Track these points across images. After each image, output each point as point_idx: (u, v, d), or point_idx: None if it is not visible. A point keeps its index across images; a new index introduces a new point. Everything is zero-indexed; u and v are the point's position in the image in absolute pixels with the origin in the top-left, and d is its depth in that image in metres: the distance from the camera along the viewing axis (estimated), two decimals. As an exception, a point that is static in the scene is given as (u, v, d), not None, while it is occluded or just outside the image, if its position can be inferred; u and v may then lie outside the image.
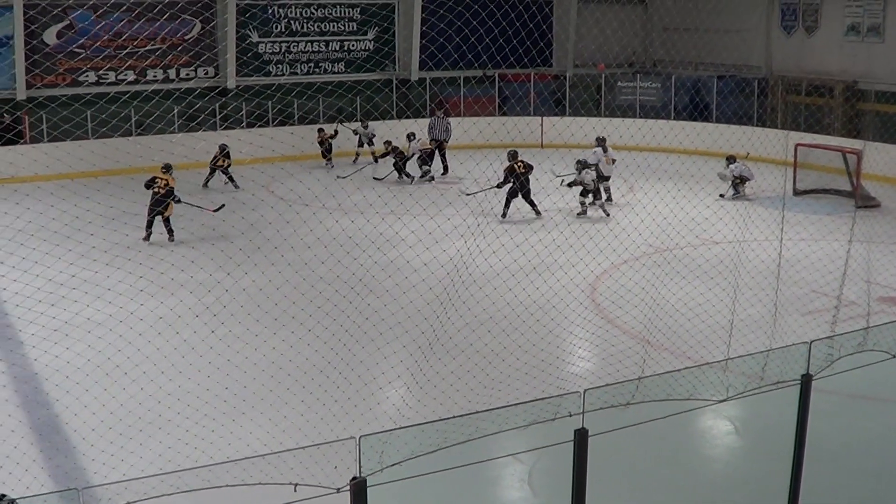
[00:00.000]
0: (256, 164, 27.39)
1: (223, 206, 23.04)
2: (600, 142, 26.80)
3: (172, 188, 22.23)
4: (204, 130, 32.22)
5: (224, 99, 33.98)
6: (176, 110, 31.49)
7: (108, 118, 27.16)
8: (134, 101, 29.07)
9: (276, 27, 36.56)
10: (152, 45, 33.46)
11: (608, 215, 24.32)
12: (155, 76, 34.21)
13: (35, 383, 14.04)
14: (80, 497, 7.00)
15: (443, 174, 30.98)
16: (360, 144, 32.24)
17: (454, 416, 8.15)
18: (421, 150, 29.81)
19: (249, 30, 35.89)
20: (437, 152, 31.28)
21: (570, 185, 25.17)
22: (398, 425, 10.12)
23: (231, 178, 28.48)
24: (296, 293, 16.68)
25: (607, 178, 26.33)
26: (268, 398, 12.97)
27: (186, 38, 34.67)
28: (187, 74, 35.07)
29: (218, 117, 33.38)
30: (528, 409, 8.38)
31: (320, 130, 32.09)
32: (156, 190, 21.98)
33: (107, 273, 16.39)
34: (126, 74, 33.76)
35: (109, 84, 33.30)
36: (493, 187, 23.86)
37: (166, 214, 21.98)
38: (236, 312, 15.71)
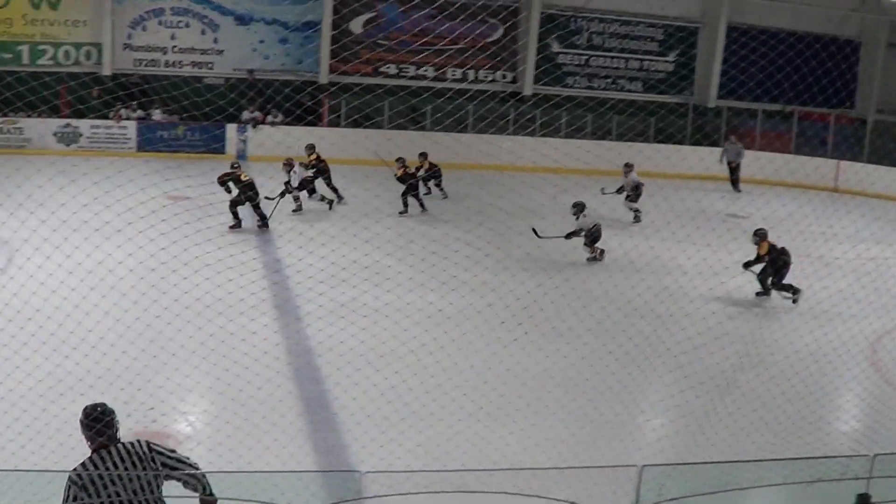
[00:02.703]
0: (544, 174, 27.37)
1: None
2: None
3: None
4: (494, 133, 32.31)
5: (516, 103, 34.12)
6: (472, 111, 31.82)
7: (404, 110, 27.73)
8: (431, 97, 29.48)
9: (578, 39, 36.57)
10: (454, 44, 33.91)
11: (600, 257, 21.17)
12: (454, 75, 34.75)
13: (308, 358, 14.29)
14: (361, 480, 7.08)
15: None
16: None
17: (740, 461, 7.90)
18: (302, 178, 25.99)
19: (551, 39, 36.02)
20: (733, 173, 31.63)
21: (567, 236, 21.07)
22: (659, 456, 9.91)
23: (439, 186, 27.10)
24: (569, 309, 16.54)
25: None
26: (532, 406, 12.84)
27: (488, 40, 35.03)
28: (485, 77, 35.48)
29: (511, 122, 33.51)
30: (814, 464, 8.06)
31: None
32: (244, 178, 22.20)
33: (388, 262, 16.64)
34: (426, 70, 34.41)
35: (409, 78, 34.02)
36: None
37: (257, 201, 22.30)
38: (515, 316, 15.63)
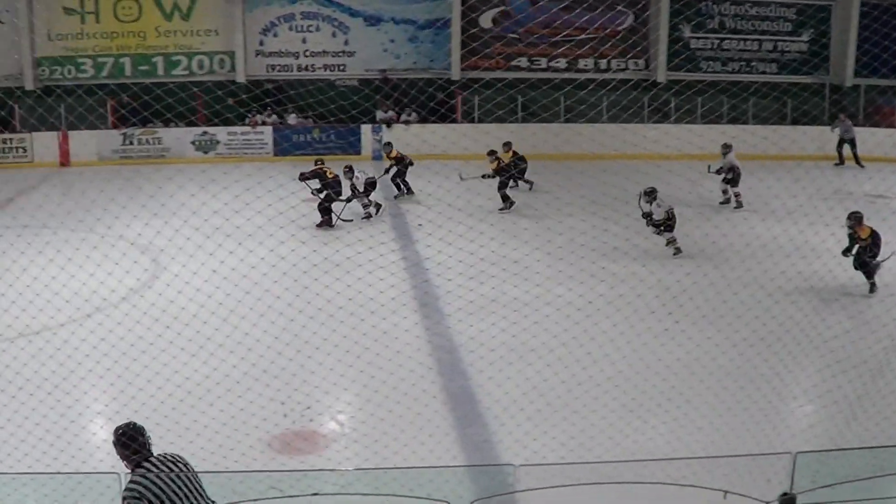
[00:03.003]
0: (684, 160, 26.97)
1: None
2: None
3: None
4: (633, 122, 31.96)
5: (654, 91, 33.78)
6: (605, 100, 31.59)
7: (539, 104, 27.65)
8: (564, 89, 29.29)
9: (710, 23, 36.09)
10: (585, 34, 33.73)
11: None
12: (586, 65, 34.57)
13: (456, 354, 14.37)
14: (515, 473, 7.12)
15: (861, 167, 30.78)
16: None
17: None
18: (365, 182, 24.04)
19: (682, 24, 35.60)
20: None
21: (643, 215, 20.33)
22: (812, 443, 9.72)
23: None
24: (718, 296, 16.31)
25: None
26: (684, 395, 12.64)
27: (619, 29, 34.78)
28: (618, 65, 35.24)
29: (647, 110, 33.19)
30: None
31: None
32: (330, 175, 22.15)
33: (536, 256, 16.60)
34: (558, 62, 34.32)
35: (541, 70, 33.99)
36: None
37: (336, 200, 22.14)
38: (664, 305, 15.45)
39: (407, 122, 32.63)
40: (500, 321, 14.34)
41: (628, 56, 35.35)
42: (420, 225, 21.72)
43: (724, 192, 25.02)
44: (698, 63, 35.96)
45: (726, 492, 7.12)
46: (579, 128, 28.60)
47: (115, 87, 31.04)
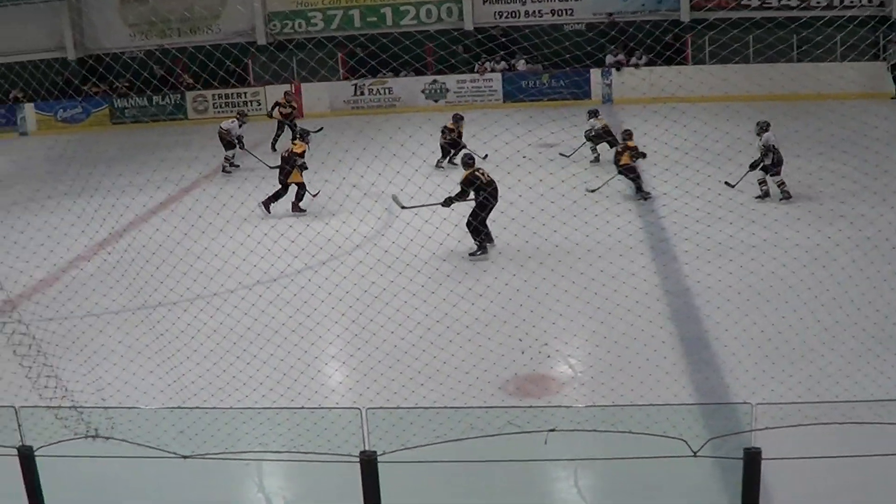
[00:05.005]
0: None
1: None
2: None
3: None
4: (866, 60, 30.87)
5: (884, 28, 32.54)
6: (838, 38, 30.62)
7: (771, 43, 27.04)
8: (793, 27, 28.59)
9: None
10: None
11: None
12: (818, 2, 33.51)
13: (687, 298, 14.34)
14: (753, 412, 7.17)
15: None
16: None
17: None
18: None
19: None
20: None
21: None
22: None
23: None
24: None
25: None
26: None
27: (855, -36, 33.60)
28: (851, 2, 34.02)
29: (881, 48, 31.98)
30: None
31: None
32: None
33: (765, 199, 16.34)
34: (789, 0, 33.37)
35: (773, 9, 33.12)
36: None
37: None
38: (895, 248, 14.97)
39: (636, 66, 32.39)
40: (727, 264, 14.22)
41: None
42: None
43: (762, 182, 19.39)
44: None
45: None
46: (809, 67, 27.78)
47: (345, 38, 31.75)
